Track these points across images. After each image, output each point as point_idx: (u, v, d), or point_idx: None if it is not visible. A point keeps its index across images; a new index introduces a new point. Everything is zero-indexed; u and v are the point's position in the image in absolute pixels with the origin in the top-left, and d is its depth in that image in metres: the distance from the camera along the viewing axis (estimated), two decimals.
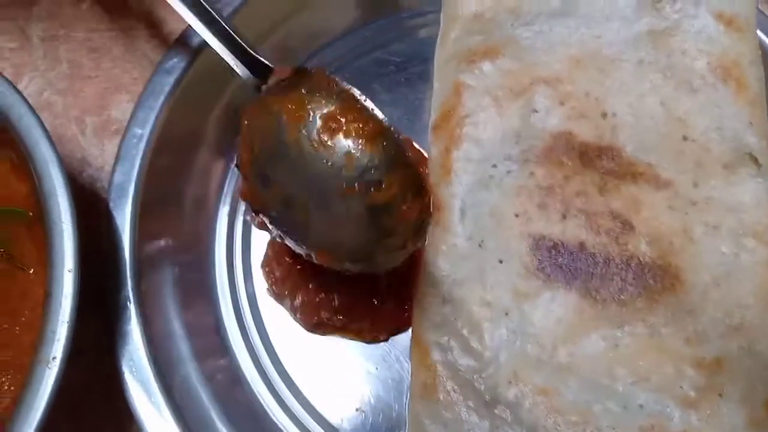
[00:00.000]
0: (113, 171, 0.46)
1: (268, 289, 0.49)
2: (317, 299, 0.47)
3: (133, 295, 0.43)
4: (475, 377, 0.44)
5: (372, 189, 0.40)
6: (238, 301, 0.49)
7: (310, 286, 0.47)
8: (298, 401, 0.47)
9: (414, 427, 0.44)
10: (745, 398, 0.41)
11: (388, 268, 0.43)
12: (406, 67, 0.58)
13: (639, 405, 0.41)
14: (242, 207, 0.52)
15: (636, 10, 0.51)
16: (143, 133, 0.47)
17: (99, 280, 0.44)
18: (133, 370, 0.41)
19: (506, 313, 0.45)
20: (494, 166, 0.49)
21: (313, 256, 0.41)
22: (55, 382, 0.34)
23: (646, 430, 0.40)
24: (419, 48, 0.58)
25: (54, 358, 0.34)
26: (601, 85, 0.50)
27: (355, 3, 0.59)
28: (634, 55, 0.50)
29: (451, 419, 0.43)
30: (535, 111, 0.49)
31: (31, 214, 0.42)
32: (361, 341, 0.49)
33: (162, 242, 0.47)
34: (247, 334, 0.48)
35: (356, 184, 0.40)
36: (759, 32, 0.51)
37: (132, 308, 0.43)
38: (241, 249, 0.51)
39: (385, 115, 0.55)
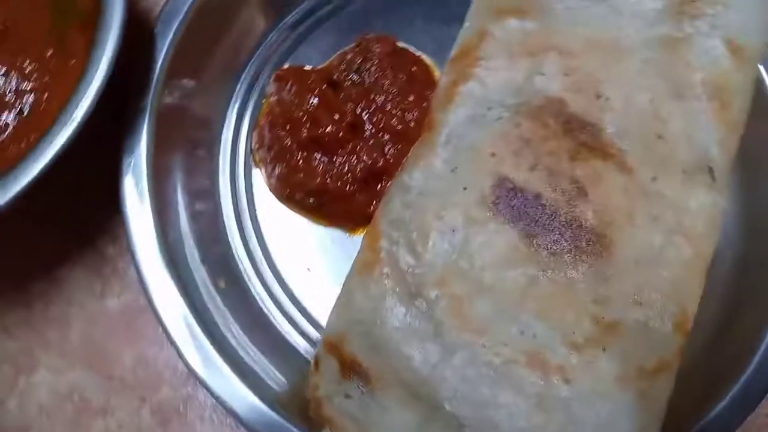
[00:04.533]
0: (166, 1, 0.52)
1: (252, 152, 0.55)
2: (295, 178, 0.53)
3: (151, 109, 0.50)
4: (409, 271, 0.50)
5: None
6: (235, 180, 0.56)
7: (293, 163, 0.53)
8: (283, 291, 0.54)
9: (344, 294, 0.50)
10: (623, 359, 0.47)
11: None
12: (446, 4, 0.63)
13: (533, 334, 0.47)
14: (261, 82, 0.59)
15: (659, 13, 0.55)
16: None
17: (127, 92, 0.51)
18: (132, 167, 0.48)
19: (453, 230, 0.51)
20: (489, 108, 0.54)
21: None
22: (68, 139, 0.41)
23: (530, 354, 0.46)
24: None
25: (73, 120, 0.41)
26: (606, 71, 0.54)
27: None
28: (644, 53, 0.54)
29: (377, 295, 0.49)
30: (541, 74, 0.54)
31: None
32: (334, 227, 0.55)
33: (186, 84, 0.54)
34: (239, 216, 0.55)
35: None
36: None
37: (146, 119, 0.50)
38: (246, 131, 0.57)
39: (416, 41, 0.62)
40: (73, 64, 0.45)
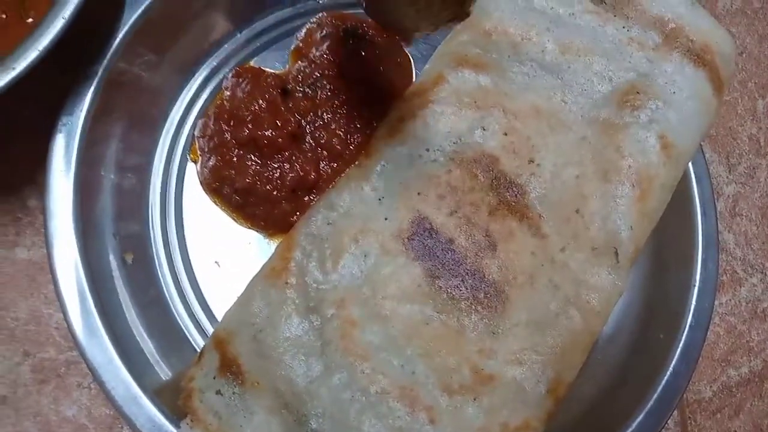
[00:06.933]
0: None
1: (194, 139, 0.57)
2: (226, 173, 0.55)
3: (101, 75, 0.51)
4: (313, 285, 0.51)
5: None
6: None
7: (227, 157, 0.54)
8: (188, 280, 0.55)
9: (245, 294, 0.52)
10: (490, 412, 0.49)
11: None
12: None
13: (413, 371, 0.49)
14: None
15: (605, 98, 0.58)
16: None
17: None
18: (66, 128, 0.49)
19: (365, 256, 0.52)
20: (427, 150, 0.56)
21: None
22: (6, 84, 0.42)
23: (404, 388, 0.48)
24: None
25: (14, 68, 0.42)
26: (543, 139, 0.57)
27: None
28: (583, 131, 0.57)
29: (276, 302, 0.51)
30: (483, 129, 0.57)
31: None
32: (253, 229, 0.57)
33: (147, 59, 0.55)
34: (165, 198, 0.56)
35: None
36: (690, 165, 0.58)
37: (94, 84, 0.51)
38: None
39: None
40: (30, 21, 0.47)
